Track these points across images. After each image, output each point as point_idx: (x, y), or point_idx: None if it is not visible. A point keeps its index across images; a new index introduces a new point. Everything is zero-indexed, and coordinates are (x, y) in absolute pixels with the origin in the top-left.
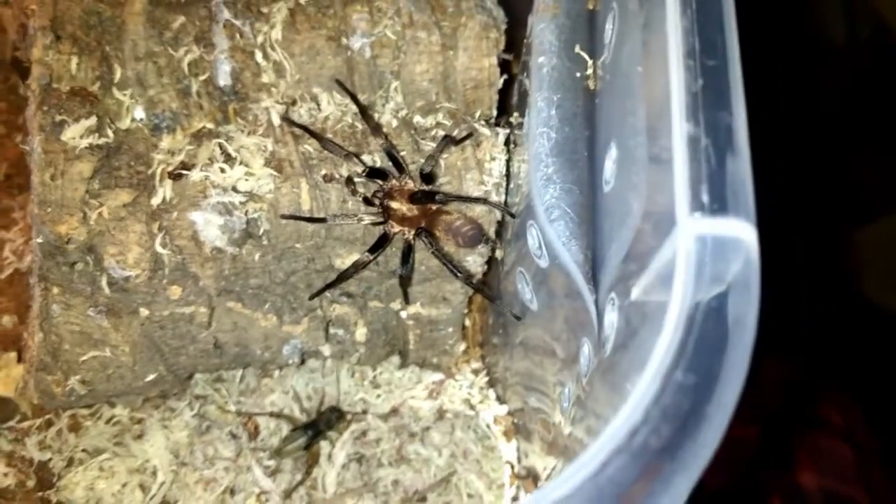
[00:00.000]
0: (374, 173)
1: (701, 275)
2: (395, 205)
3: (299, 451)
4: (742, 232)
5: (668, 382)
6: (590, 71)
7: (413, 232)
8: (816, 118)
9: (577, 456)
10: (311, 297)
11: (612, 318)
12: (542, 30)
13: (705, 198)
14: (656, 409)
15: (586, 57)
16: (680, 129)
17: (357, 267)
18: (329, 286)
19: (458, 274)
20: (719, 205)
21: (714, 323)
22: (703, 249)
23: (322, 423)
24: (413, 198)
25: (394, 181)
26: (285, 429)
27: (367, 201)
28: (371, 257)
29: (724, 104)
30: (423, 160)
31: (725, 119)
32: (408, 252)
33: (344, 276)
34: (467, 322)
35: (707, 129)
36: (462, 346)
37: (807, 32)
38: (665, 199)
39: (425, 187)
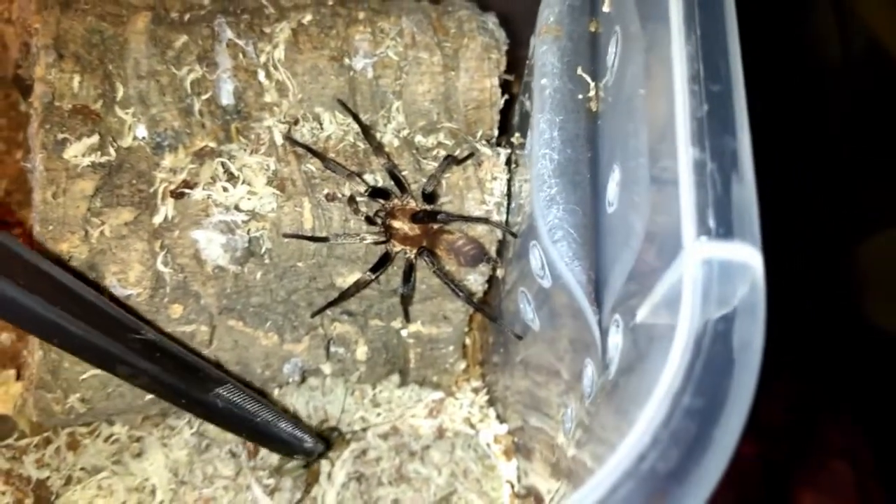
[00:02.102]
0: (376, 192)
1: (708, 299)
2: (397, 224)
3: (299, 469)
4: (748, 256)
5: (677, 406)
6: (592, 93)
7: (415, 251)
8: (815, 136)
9: (582, 479)
10: (313, 315)
11: (616, 339)
12: (545, 52)
13: (712, 222)
14: (665, 432)
15: (588, 79)
16: (686, 153)
17: (359, 286)
18: (330, 304)
19: (460, 293)
20: (725, 229)
21: (721, 347)
22: (710, 273)
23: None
24: (415, 217)
25: (396, 200)
26: None
27: (370, 220)
28: (373, 276)
29: (729, 129)
30: (424, 180)
31: (730, 144)
32: (409, 271)
33: (345, 294)
34: (467, 340)
35: (713, 153)
36: (462, 365)
37: (802, 49)
38: (669, 222)
39: (427, 207)
